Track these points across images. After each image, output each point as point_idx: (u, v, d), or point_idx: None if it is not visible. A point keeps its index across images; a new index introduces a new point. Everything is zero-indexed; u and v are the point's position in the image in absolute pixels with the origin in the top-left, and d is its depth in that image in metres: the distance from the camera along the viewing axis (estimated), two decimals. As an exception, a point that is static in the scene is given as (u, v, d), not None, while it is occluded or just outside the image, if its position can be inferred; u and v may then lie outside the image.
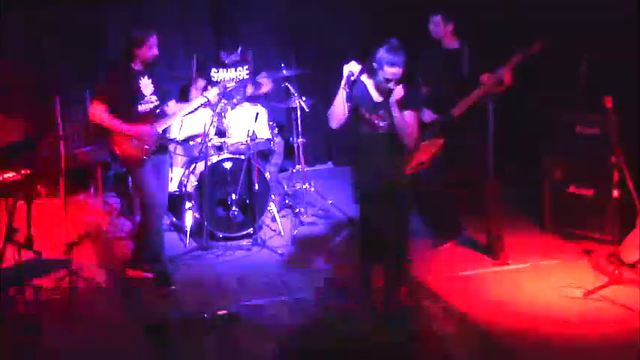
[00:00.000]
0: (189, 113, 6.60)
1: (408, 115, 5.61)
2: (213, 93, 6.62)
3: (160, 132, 6.33)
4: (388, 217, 5.85)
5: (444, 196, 6.95)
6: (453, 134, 6.46)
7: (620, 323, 5.68)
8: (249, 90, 7.85)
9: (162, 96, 6.38)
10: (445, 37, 6.66)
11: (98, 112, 6.15)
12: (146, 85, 6.24)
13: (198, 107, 6.61)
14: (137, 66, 6.21)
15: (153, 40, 6.17)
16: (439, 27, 6.64)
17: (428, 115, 6.68)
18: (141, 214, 6.43)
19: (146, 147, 6.21)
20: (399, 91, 5.54)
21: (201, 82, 7.94)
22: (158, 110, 6.33)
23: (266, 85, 8.02)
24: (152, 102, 6.29)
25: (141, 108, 6.24)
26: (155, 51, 6.20)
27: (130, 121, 6.18)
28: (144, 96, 6.24)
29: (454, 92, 6.60)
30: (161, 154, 6.44)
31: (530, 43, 6.36)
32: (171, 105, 6.51)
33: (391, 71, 5.54)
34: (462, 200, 7.07)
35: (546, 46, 6.34)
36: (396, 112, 5.54)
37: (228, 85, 6.72)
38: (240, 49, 7.84)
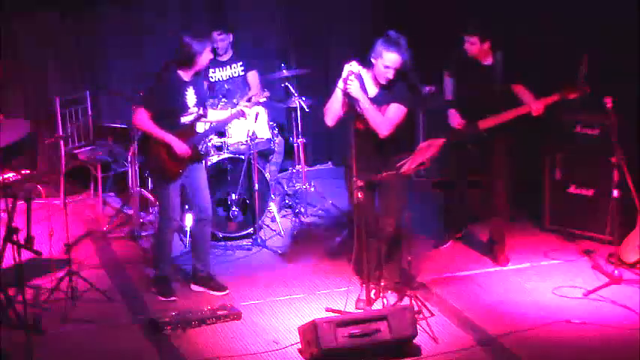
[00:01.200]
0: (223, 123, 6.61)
1: (393, 107, 5.68)
2: (249, 110, 6.59)
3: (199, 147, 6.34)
4: (381, 213, 5.88)
5: (463, 195, 6.96)
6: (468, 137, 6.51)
7: (620, 323, 5.69)
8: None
9: (202, 104, 6.32)
10: (481, 54, 6.55)
11: (143, 118, 6.04)
12: (191, 96, 6.16)
13: (232, 119, 6.61)
14: (188, 77, 6.12)
15: (209, 48, 6.13)
16: (475, 47, 6.51)
17: (454, 118, 6.66)
18: (157, 225, 6.44)
19: (183, 161, 6.17)
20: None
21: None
22: (198, 121, 6.28)
23: (254, 87, 7.98)
24: (193, 113, 6.21)
25: (183, 119, 6.16)
26: (211, 55, 6.17)
27: (172, 132, 6.10)
28: (188, 107, 6.15)
29: (484, 105, 6.57)
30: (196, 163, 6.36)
31: (571, 86, 6.37)
32: (210, 114, 6.49)
33: (389, 57, 5.59)
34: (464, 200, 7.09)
35: (586, 95, 6.34)
36: (365, 107, 5.62)
37: (260, 100, 6.71)
38: (232, 37, 7.83)
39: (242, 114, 6.50)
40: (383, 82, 5.68)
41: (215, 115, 6.57)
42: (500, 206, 6.72)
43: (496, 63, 6.55)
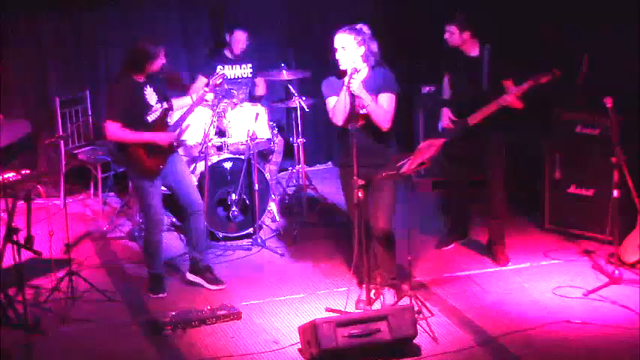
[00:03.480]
0: (190, 112, 6.58)
1: (384, 98, 5.72)
2: (210, 96, 6.63)
3: (177, 138, 6.37)
4: (373, 212, 5.87)
5: (463, 196, 6.95)
6: (464, 135, 6.50)
7: (620, 323, 5.68)
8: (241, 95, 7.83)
9: (164, 100, 6.36)
10: (463, 44, 6.54)
11: (115, 131, 6.06)
12: (150, 94, 6.20)
13: (195, 106, 6.58)
14: (141, 78, 6.16)
15: (162, 51, 6.17)
16: (455, 36, 6.51)
17: (444, 116, 6.66)
18: (145, 226, 6.44)
19: (162, 156, 6.20)
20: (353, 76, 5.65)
21: (202, 80, 7.89)
22: (166, 116, 6.31)
23: (261, 87, 8.01)
24: (158, 110, 6.25)
25: (150, 118, 6.19)
26: (164, 60, 6.20)
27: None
28: (151, 106, 6.19)
29: (472, 100, 6.55)
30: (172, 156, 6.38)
31: (542, 70, 6.33)
32: (175, 104, 6.52)
33: (336, 38, 5.74)
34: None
35: (558, 77, 6.32)
36: (362, 99, 5.65)
37: (217, 82, 6.67)
38: (247, 43, 7.86)
39: (203, 99, 6.54)
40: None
41: (179, 103, 6.58)
42: (498, 206, 6.71)
43: (483, 55, 6.55)
